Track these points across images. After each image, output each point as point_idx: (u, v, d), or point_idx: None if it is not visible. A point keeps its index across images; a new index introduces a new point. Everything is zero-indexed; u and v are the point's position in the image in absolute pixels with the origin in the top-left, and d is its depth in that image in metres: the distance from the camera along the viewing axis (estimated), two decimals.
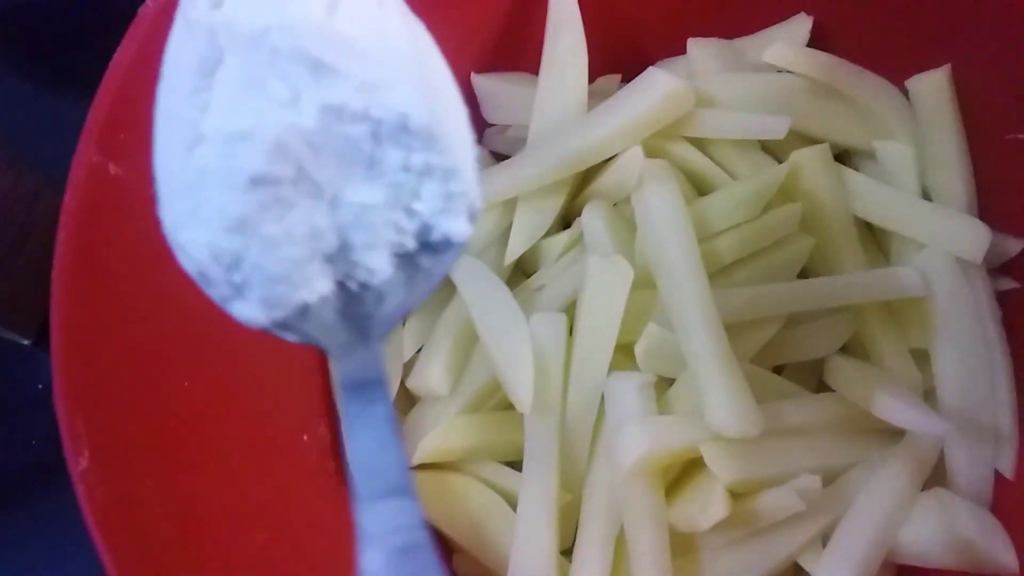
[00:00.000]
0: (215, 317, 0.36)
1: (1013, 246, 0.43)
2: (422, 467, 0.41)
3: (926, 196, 0.44)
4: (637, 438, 0.37)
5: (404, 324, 0.44)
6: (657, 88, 0.42)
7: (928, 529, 0.38)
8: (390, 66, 0.24)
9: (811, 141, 0.45)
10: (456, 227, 0.25)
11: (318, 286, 0.25)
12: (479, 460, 0.42)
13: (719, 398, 0.38)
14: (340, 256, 0.25)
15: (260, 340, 0.38)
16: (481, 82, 0.47)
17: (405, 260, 0.26)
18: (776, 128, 0.43)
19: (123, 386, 0.32)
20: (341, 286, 0.25)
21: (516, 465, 0.41)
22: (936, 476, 0.40)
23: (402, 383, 0.42)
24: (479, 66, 0.47)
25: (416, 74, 0.25)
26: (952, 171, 0.43)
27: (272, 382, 0.39)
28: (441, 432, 0.41)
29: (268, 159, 0.23)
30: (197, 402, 0.35)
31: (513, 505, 0.40)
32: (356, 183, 0.24)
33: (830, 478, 0.39)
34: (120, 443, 0.31)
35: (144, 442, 0.32)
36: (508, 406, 0.41)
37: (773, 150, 0.46)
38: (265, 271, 0.23)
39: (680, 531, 0.38)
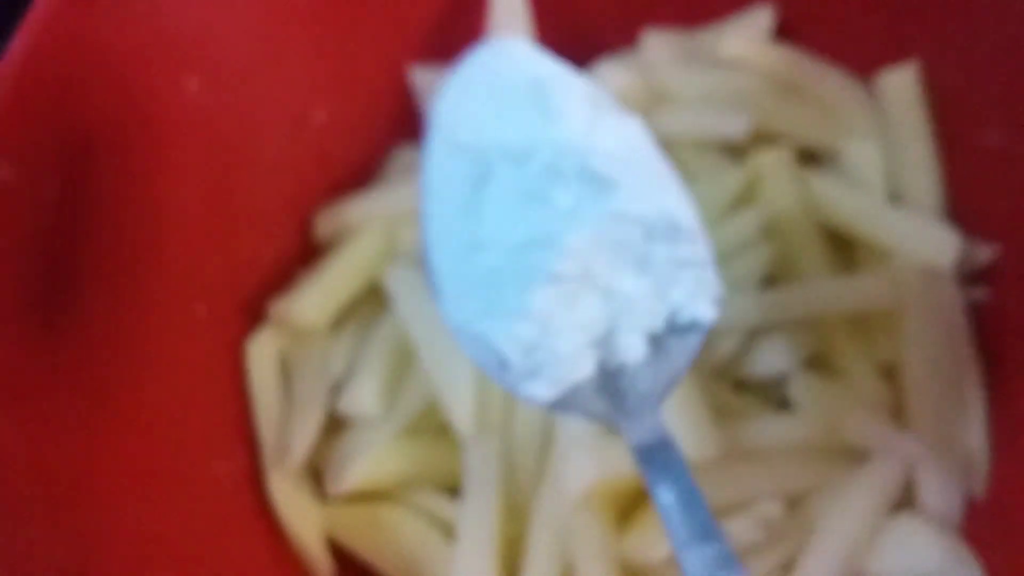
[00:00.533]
0: (115, 336, 0.34)
1: (984, 254, 0.41)
2: (352, 495, 0.38)
3: (893, 199, 0.42)
4: (586, 464, 0.35)
5: (335, 338, 0.41)
6: (607, 83, 0.40)
7: (896, 557, 0.36)
8: (649, 170, 0.29)
9: (774, 141, 0.42)
10: (704, 311, 0.29)
11: (585, 367, 0.28)
12: (415, 488, 0.39)
13: (674, 418, 0.35)
14: (604, 339, 0.28)
15: (168, 360, 0.36)
16: (421, 76, 0.45)
17: (653, 342, 0.29)
18: (736, 127, 0.41)
19: (6, 410, 0.29)
20: (601, 366, 0.29)
21: (457, 494, 0.38)
22: (904, 498, 0.38)
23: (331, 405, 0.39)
24: (419, 58, 0.44)
25: (670, 175, 0.29)
26: (921, 174, 0.41)
27: (182, 408, 0.36)
28: (373, 458, 0.38)
29: (560, 261, 0.26)
30: (90, 434, 0.31)
31: (452, 537, 0.37)
32: (627, 275, 0.27)
33: (793, 502, 0.37)
34: (7, 487, 0.28)
35: (30, 478, 0.29)
36: (447, 430, 0.38)
37: (733, 150, 0.43)
38: (556, 354, 0.27)
39: (633, 564, 0.35)
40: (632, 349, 0.29)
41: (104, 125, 0.34)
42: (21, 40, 0.31)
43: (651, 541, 0.34)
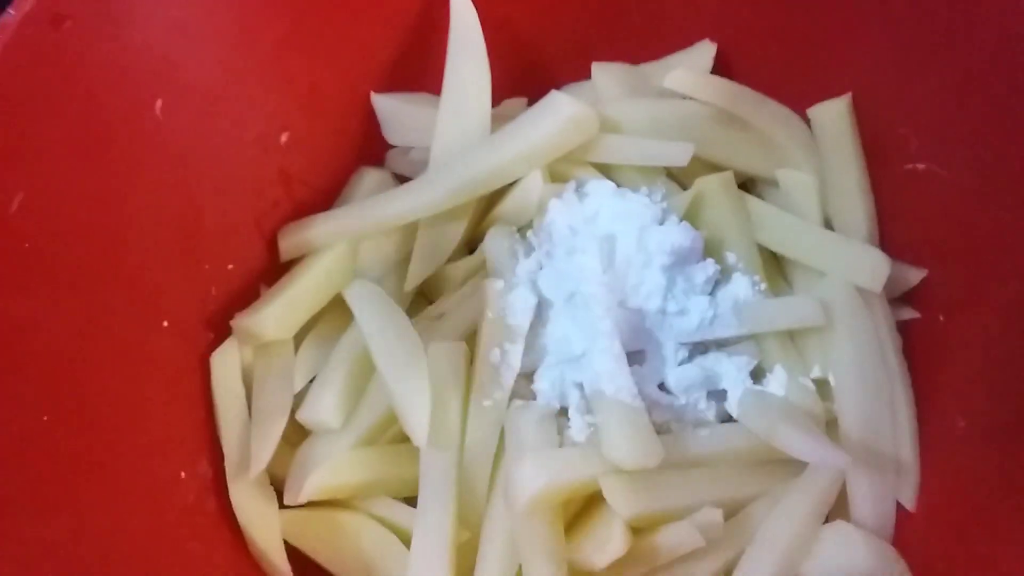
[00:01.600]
0: (82, 347, 0.34)
1: (913, 276, 0.43)
2: (311, 503, 0.39)
3: (828, 225, 0.44)
4: (534, 472, 0.36)
5: (296, 352, 0.42)
6: (560, 112, 0.42)
7: (830, 562, 0.38)
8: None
9: (716, 168, 0.44)
10: None
11: None
12: (373, 496, 0.40)
13: (617, 429, 0.37)
14: None
15: (134, 371, 0.37)
16: (382, 102, 0.46)
17: None
18: (679, 155, 0.42)
19: None
20: None
21: (412, 502, 0.39)
22: (839, 508, 0.40)
23: (291, 415, 0.40)
24: (380, 85, 0.46)
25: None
26: (853, 200, 0.43)
27: (148, 417, 0.37)
28: (333, 467, 0.39)
29: None
30: (59, 438, 0.32)
31: (407, 543, 0.38)
32: None
33: (733, 510, 0.39)
34: None
35: None
36: (405, 439, 0.39)
37: (678, 176, 0.45)
38: None
39: (578, 567, 0.36)
40: None
41: (69, 142, 0.34)
42: None
43: (596, 547, 0.36)
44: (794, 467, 0.40)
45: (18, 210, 0.33)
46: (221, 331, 0.42)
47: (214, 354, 0.41)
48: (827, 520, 0.39)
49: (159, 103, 0.38)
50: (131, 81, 0.37)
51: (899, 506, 0.40)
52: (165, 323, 0.39)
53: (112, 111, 0.36)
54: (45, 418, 0.32)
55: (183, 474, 0.38)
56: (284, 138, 0.43)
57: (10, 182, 0.33)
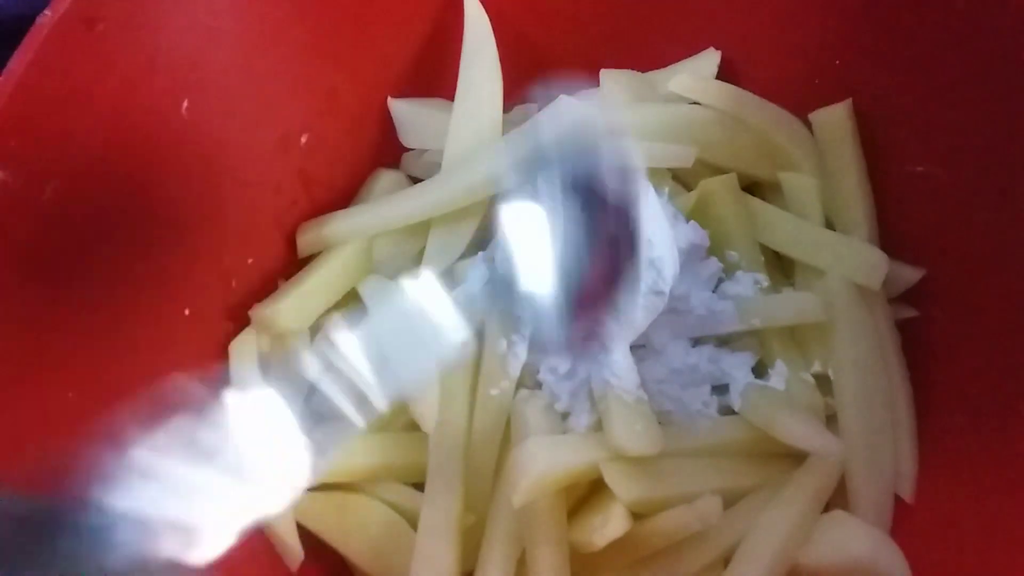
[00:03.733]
0: (108, 331, 0.36)
1: (912, 275, 0.44)
2: (322, 486, 0.40)
3: (829, 226, 0.45)
4: (537, 456, 0.37)
5: (313, 342, 0.43)
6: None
7: (828, 551, 0.39)
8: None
9: (719, 171, 0.46)
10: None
11: None
12: (382, 480, 0.41)
13: (619, 416, 0.38)
14: None
15: (157, 357, 0.38)
16: (398, 107, 0.48)
17: None
18: (683, 157, 0.44)
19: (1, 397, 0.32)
20: None
21: (421, 487, 0.40)
22: (838, 501, 0.40)
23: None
24: (396, 90, 0.48)
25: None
26: (853, 202, 0.45)
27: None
28: (344, 451, 0.40)
29: None
30: (83, 416, 0.34)
31: (415, 526, 0.39)
32: None
33: (732, 500, 0.39)
34: None
35: (21, 455, 0.31)
36: (414, 427, 0.41)
37: (683, 179, 0.47)
38: None
39: (581, 550, 0.37)
40: None
41: (101, 137, 0.36)
42: (23, 53, 0.33)
43: (596, 527, 0.37)
44: (794, 460, 0.40)
45: (51, 197, 0.34)
46: (240, 321, 0.43)
47: (232, 342, 0.42)
48: (825, 511, 0.40)
49: (185, 103, 0.39)
50: (159, 81, 0.38)
51: (897, 499, 0.41)
52: (187, 311, 0.41)
53: (140, 109, 0.38)
54: (70, 395, 0.34)
55: None
56: (304, 139, 0.45)
57: (44, 171, 0.34)
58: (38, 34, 0.34)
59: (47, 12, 0.34)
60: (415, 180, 0.49)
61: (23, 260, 0.33)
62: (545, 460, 0.37)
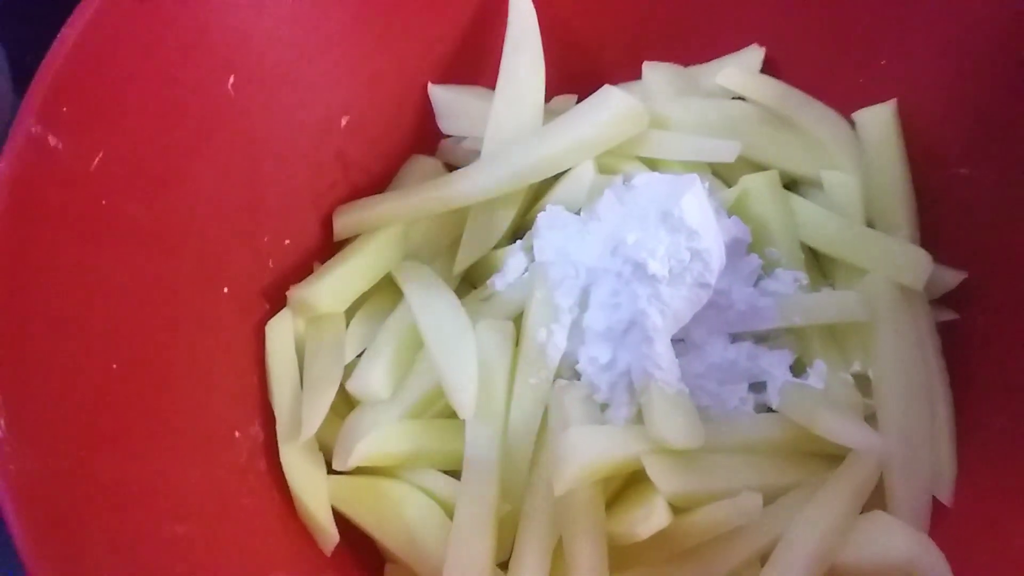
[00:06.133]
0: (150, 303, 0.36)
1: (954, 278, 0.43)
2: (358, 471, 0.40)
3: (870, 225, 0.45)
4: (579, 446, 0.37)
5: (347, 326, 0.43)
6: (611, 105, 0.43)
7: (867, 551, 0.38)
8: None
9: (760, 168, 0.46)
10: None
11: None
12: (418, 467, 0.41)
13: (662, 409, 0.37)
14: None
15: (195, 333, 0.38)
16: (438, 93, 0.48)
17: None
18: (726, 152, 0.43)
19: (47, 361, 0.31)
20: None
21: (456, 475, 0.40)
22: (876, 502, 0.40)
23: (341, 385, 0.41)
24: (437, 77, 0.47)
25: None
26: (896, 202, 0.44)
27: (207, 377, 0.38)
28: (380, 436, 0.40)
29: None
30: (125, 386, 0.34)
31: (451, 515, 0.39)
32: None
33: (771, 497, 0.39)
34: (40, 417, 0.30)
35: (65, 417, 0.31)
36: (451, 414, 0.40)
37: (723, 174, 0.46)
38: None
39: (619, 542, 0.37)
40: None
41: (149, 109, 0.36)
42: (76, 21, 0.33)
43: (638, 519, 0.36)
44: (832, 460, 0.40)
45: (97, 168, 0.34)
46: (276, 302, 0.43)
47: (269, 323, 0.42)
48: (863, 512, 0.39)
49: (231, 79, 0.39)
50: (206, 56, 0.38)
51: (935, 501, 0.40)
52: (225, 289, 0.40)
53: (187, 83, 0.38)
54: (114, 366, 0.34)
55: (237, 434, 0.39)
56: (344, 122, 0.45)
57: (92, 142, 0.34)
58: (91, 4, 0.34)
59: None
60: (451, 167, 0.48)
61: (67, 224, 0.33)
62: (588, 450, 0.36)
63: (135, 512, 0.32)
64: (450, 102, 0.48)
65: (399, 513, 0.39)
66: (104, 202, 0.34)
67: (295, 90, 0.42)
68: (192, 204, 0.38)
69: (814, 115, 0.45)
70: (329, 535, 0.39)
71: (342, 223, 0.45)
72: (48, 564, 0.28)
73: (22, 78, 0.41)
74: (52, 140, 0.33)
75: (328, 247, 0.45)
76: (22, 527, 0.27)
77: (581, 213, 0.44)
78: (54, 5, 0.36)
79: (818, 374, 0.42)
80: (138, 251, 0.36)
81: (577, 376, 0.41)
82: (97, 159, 0.34)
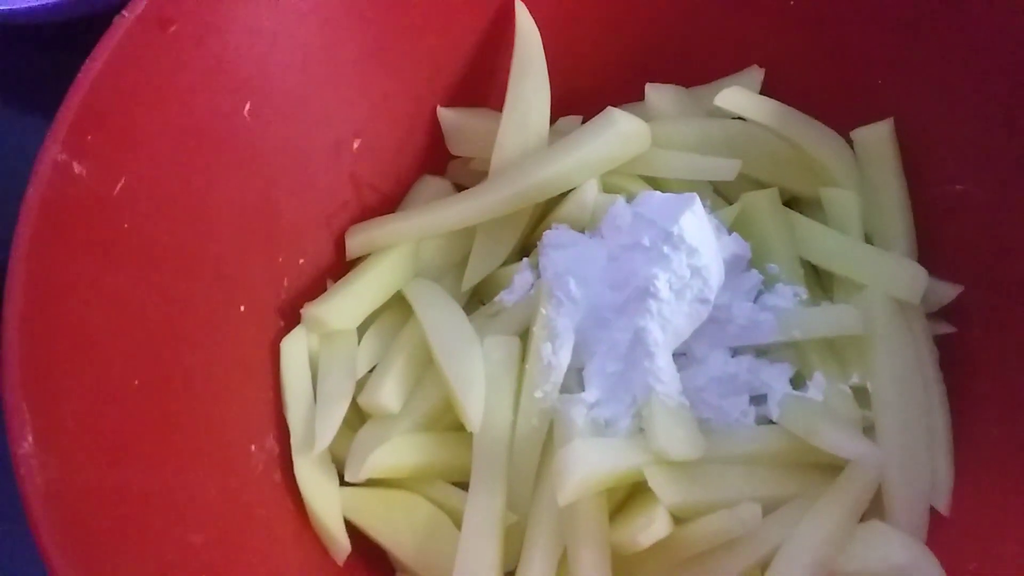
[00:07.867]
0: (170, 322, 0.37)
1: (950, 291, 0.44)
2: (369, 483, 0.41)
3: (869, 241, 0.46)
4: (582, 458, 0.38)
5: (359, 342, 0.44)
6: (615, 126, 0.44)
7: (865, 560, 0.39)
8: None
9: (761, 186, 0.47)
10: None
11: None
12: (427, 479, 0.42)
13: (663, 421, 0.39)
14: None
15: (213, 350, 0.39)
16: (447, 115, 0.49)
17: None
18: (727, 170, 0.45)
19: (72, 377, 0.33)
20: None
21: (465, 486, 0.41)
22: (874, 512, 0.41)
23: (353, 400, 0.42)
24: (446, 100, 0.49)
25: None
26: (893, 218, 0.45)
27: (224, 392, 0.40)
28: (390, 448, 0.41)
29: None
30: (146, 401, 0.35)
31: (459, 525, 0.40)
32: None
33: (771, 508, 0.40)
34: (66, 432, 0.31)
35: (89, 432, 0.32)
36: (459, 427, 0.42)
37: (725, 192, 0.48)
38: None
39: (622, 551, 0.38)
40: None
41: (169, 135, 0.38)
42: (101, 50, 0.34)
43: (639, 528, 0.37)
44: (831, 471, 0.41)
45: (120, 193, 0.36)
46: (291, 319, 0.44)
47: (284, 339, 0.43)
48: (862, 521, 0.40)
49: (248, 105, 0.41)
50: (224, 84, 0.39)
51: (933, 511, 0.41)
52: (242, 308, 0.42)
53: (206, 110, 0.39)
54: (136, 382, 0.35)
55: (253, 447, 0.40)
56: (356, 144, 0.46)
57: (114, 168, 0.35)
58: (115, 33, 0.35)
59: (125, 13, 0.36)
60: (460, 187, 0.50)
61: (90, 247, 0.35)
62: (591, 461, 0.37)
63: (155, 522, 0.33)
64: (458, 124, 0.49)
65: (409, 523, 0.41)
66: (126, 225, 0.36)
67: (309, 115, 0.44)
68: (210, 226, 0.40)
69: (813, 134, 0.46)
70: (341, 545, 0.40)
71: (354, 242, 0.47)
72: (74, 573, 0.29)
73: None
74: (77, 167, 0.34)
75: (341, 266, 0.47)
76: (49, 537, 0.28)
77: (586, 231, 0.45)
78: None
79: (817, 387, 0.43)
80: (158, 272, 0.37)
81: (582, 390, 0.42)
82: (119, 185, 0.36)
